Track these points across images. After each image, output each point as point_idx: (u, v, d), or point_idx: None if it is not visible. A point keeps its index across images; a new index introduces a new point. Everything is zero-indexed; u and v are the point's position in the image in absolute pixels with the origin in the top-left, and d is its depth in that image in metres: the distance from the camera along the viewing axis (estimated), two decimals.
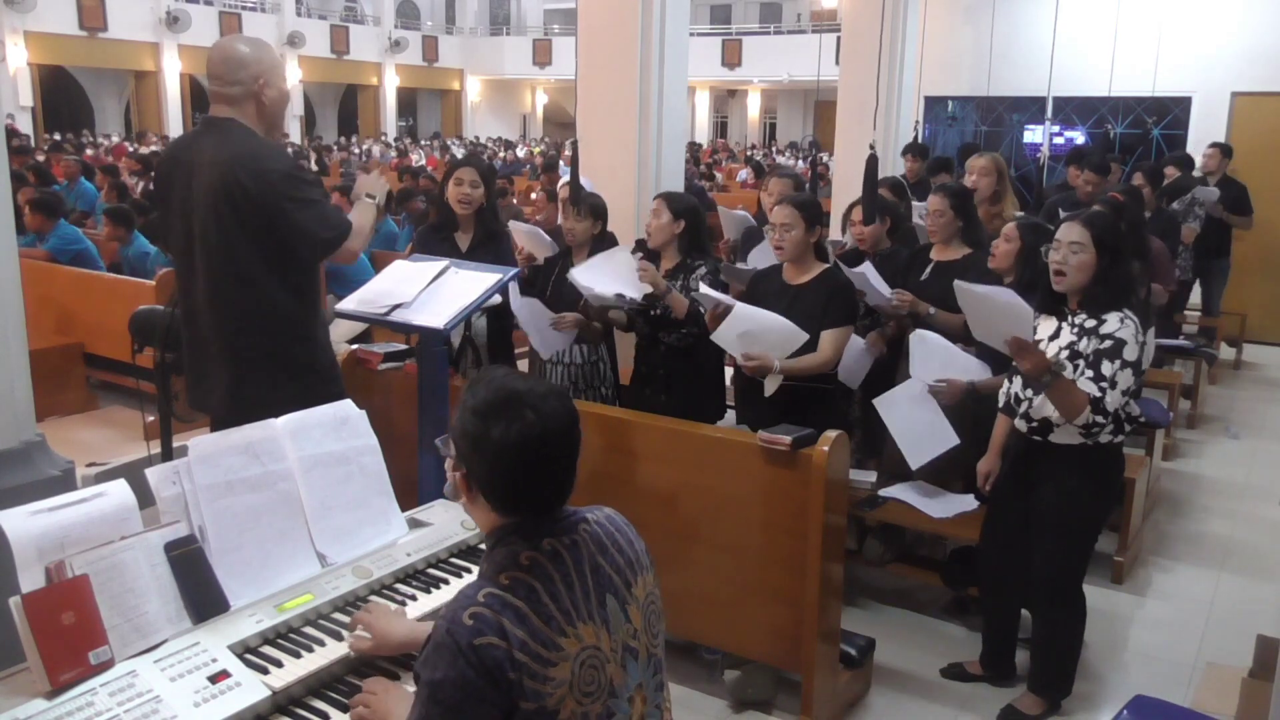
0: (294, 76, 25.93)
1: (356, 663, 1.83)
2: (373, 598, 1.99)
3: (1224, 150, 7.75)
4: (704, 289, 3.51)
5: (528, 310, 3.76)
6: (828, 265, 3.60)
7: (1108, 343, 2.90)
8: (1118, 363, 2.88)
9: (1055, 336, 3.03)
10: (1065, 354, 2.96)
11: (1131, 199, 5.03)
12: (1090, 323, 2.96)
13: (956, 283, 3.30)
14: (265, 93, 2.76)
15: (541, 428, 1.47)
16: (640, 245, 4.05)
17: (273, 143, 2.83)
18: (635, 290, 3.63)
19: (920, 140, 8.93)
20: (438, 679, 1.39)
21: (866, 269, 3.86)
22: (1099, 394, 2.87)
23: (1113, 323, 2.92)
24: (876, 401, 3.59)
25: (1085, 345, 2.93)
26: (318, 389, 2.75)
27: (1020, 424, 3.10)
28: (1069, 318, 3.03)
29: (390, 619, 1.85)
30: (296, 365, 2.83)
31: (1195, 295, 7.64)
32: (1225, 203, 7.31)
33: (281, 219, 2.69)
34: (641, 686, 1.57)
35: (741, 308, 3.38)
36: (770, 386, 3.35)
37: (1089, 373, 2.89)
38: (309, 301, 2.89)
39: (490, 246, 3.87)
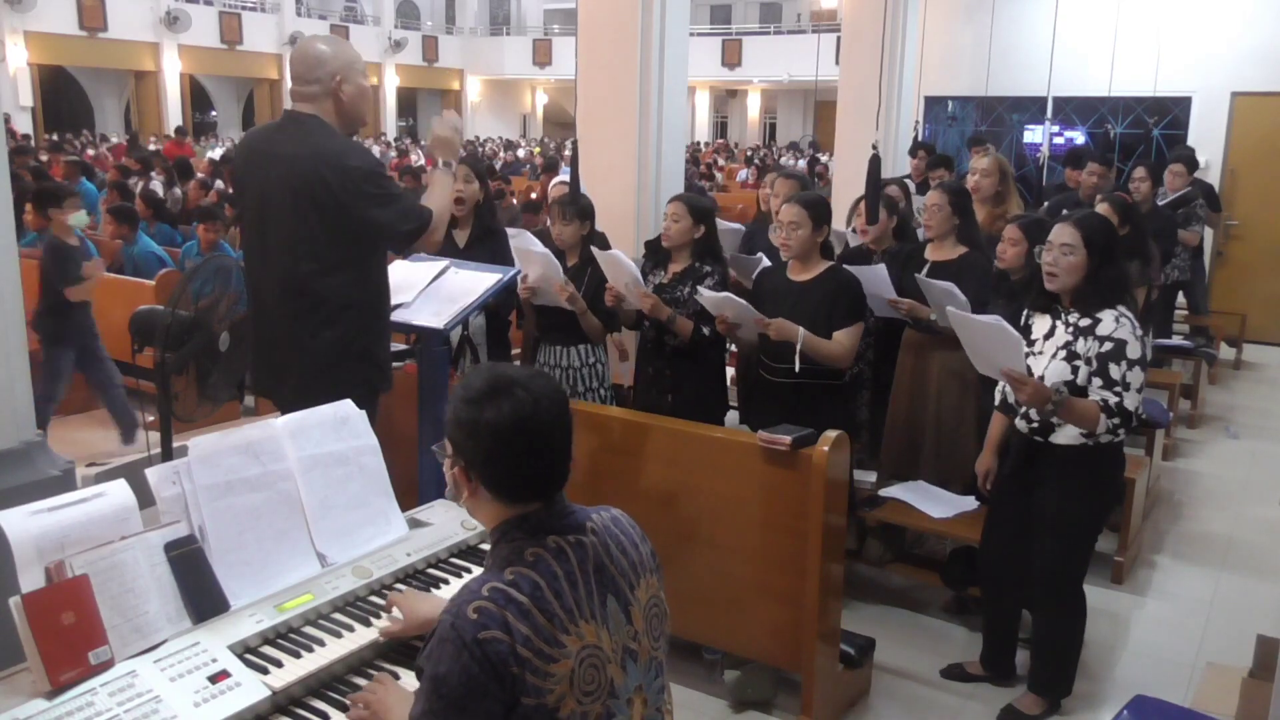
0: None
1: (356, 662, 1.83)
2: (373, 598, 1.99)
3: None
4: (703, 292, 3.51)
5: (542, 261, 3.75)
6: (832, 263, 3.61)
7: (1108, 345, 2.89)
8: (1124, 363, 2.87)
9: (1050, 335, 3.03)
10: (1062, 354, 2.96)
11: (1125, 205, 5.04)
12: (1084, 321, 2.95)
13: (949, 310, 3.28)
14: (343, 89, 2.84)
15: (534, 404, 1.49)
16: (650, 246, 4.05)
17: (353, 141, 2.91)
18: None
19: (920, 140, 8.93)
20: (441, 673, 1.40)
21: (880, 270, 3.87)
22: (1116, 398, 2.86)
23: (1108, 322, 2.92)
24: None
25: (1083, 347, 2.93)
26: (376, 380, 2.89)
27: (1021, 424, 3.10)
28: (1062, 316, 3.03)
29: (416, 598, 1.89)
30: (362, 354, 2.89)
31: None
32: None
33: (363, 215, 2.75)
34: (641, 689, 1.57)
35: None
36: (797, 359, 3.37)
37: (1098, 380, 2.89)
38: (379, 293, 2.96)
39: (487, 242, 3.92)
